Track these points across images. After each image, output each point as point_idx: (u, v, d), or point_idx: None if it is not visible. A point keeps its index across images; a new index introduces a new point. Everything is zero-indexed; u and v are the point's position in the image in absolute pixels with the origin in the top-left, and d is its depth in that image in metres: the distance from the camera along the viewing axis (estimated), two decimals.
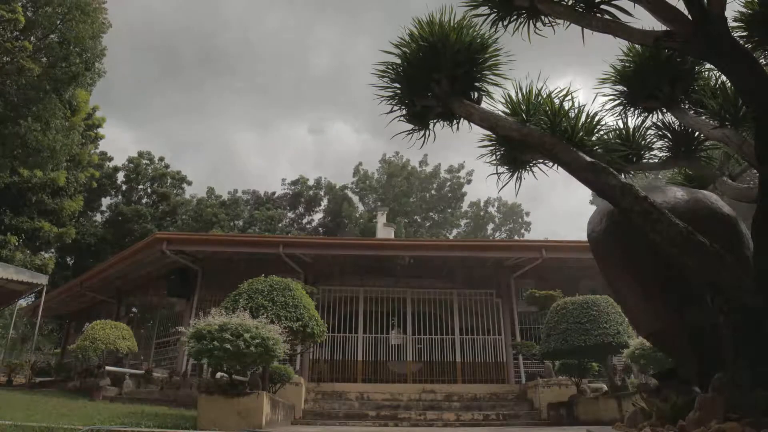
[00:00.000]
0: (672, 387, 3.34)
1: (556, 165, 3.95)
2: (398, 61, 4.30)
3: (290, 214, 39.06)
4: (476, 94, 4.35)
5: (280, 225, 36.52)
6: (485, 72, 4.30)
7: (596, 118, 3.99)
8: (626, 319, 8.78)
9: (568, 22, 3.71)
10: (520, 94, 4.05)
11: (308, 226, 38.40)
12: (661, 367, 6.47)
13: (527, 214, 37.35)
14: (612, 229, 3.60)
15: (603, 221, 3.67)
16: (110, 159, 33.87)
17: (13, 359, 19.07)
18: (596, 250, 3.81)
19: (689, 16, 2.96)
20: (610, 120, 4.99)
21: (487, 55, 4.23)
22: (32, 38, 14.97)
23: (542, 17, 3.90)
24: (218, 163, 68.22)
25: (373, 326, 13.47)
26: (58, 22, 14.65)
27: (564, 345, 9.09)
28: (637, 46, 4.41)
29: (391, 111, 4.56)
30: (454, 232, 37.74)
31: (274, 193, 39.40)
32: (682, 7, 3.01)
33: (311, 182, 38.99)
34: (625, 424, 3.63)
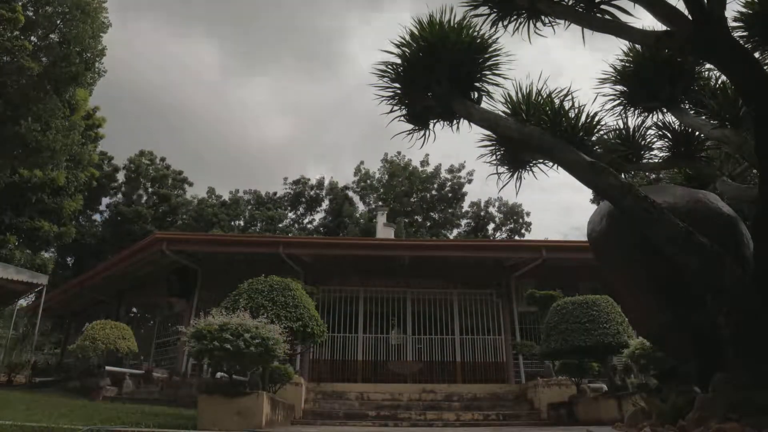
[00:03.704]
0: (672, 387, 3.34)
1: (556, 165, 3.95)
2: (398, 61, 4.30)
3: (291, 215, 39.06)
4: (476, 94, 4.36)
5: (280, 225, 36.50)
6: (485, 72, 4.31)
7: (596, 118, 3.99)
8: (626, 319, 8.78)
9: (569, 22, 3.71)
10: (520, 94, 4.05)
11: (309, 226, 38.39)
12: (661, 367, 6.46)
13: (527, 214, 37.36)
14: (612, 229, 3.59)
15: (603, 221, 3.67)
16: (111, 158, 33.87)
17: (13, 359, 19.05)
18: (596, 250, 3.80)
19: (689, 16, 2.96)
20: (610, 120, 5.00)
21: (487, 55, 4.23)
22: (32, 38, 14.98)
23: (542, 17, 3.90)
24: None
25: (373, 326, 13.47)
26: (59, 21, 14.65)
27: (564, 345, 9.09)
28: (637, 46, 4.42)
29: (391, 111, 4.56)
30: (455, 232, 37.74)
31: (275, 193, 39.39)
32: (682, 7, 3.01)
33: (312, 182, 39.00)
34: (625, 424, 3.63)
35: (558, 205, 59.77)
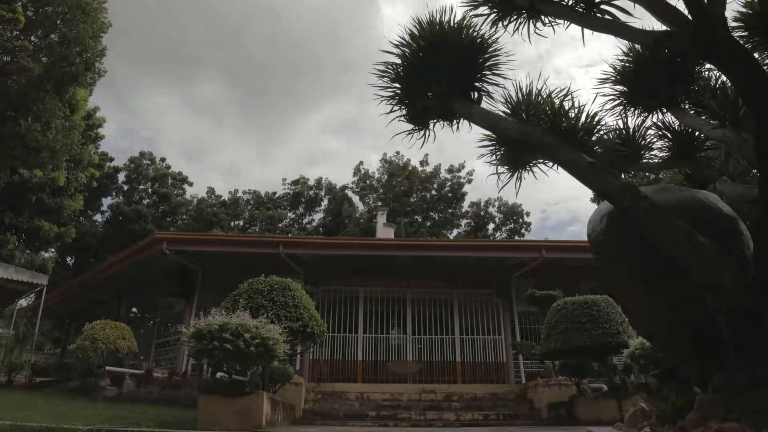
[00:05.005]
0: (672, 387, 3.34)
1: (556, 165, 3.95)
2: (398, 61, 4.30)
3: (290, 215, 39.06)
4: (476, 94, 4.36)
5: (280, 225, 36.51)
6: (485, 72, 4.30)
7: (596, 118, 3.98)
8: (626, 319, 8.78)
9: (569, 22, 3.71)
10: (520, 94, 4.04)
11: (308, 226, 38.39)
12: (661, 367, 6.46)
13: (527, 214, 37.38)
14: (612, 229, 3.59)
15: (603, 221, 3.67)
16: (111, 159, 33.92)
17: (13, 359, 19.06)
18: (596, 250, 3.80)
19: (689, 16, 2.96)
20: (610, 120, 5.00)
21: (487, 55, 4.23)
22: (32, 38, 14.96)
23: (542, 17, 3.89)
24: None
25: (373, 326, 13.46)
26: (59, 21, 14.63)
27: (564, 345, 9.09)
28: (637, 46, 4.42)
29: (391, 111, 4.56)
30: (455, 232, 37.73)
31: (274, 194, 39.40)
32: (682, 7, 3.01)
33: (312, 182, 39.02)
34: (625, 424, 3.63)
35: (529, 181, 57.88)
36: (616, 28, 3.48)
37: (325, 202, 38.63)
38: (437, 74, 4.18)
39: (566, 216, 58.58)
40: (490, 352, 13.22)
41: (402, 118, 4.61)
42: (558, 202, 57.50)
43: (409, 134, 4.68)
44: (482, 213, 37.58)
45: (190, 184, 37.50)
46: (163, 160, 36.94)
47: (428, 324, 13.49)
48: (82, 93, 16.78)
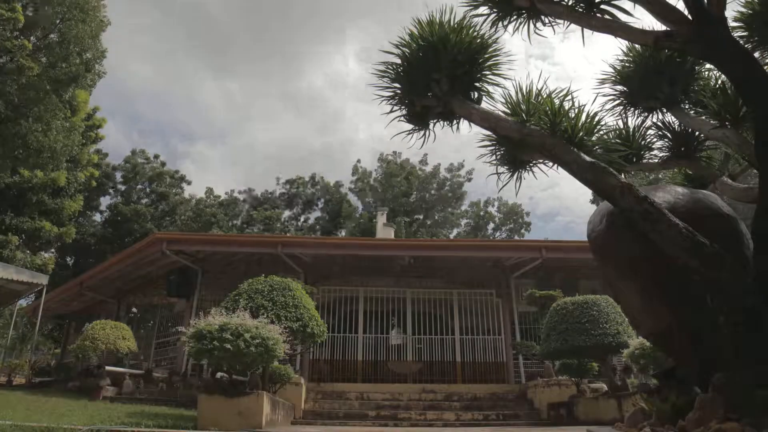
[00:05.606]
0: (672, 387, 3.33)
1: (556, 165, 3.94)
2: (398, 61, 4.30)
3: (288, 213, 39.11)
4: (476, 94, 4.35)
5: (278, 225, 36.55)
6: (485, 72, 4.30)
7: (596, 118, 3.98)
8: (626, 319, 8.78)
9: (569, 22, 3.71)
10: (520, 94, 4.04)
11: (305, 225, 38.43)
12: (661, 367, 6.46)
13: (527, 214, 37.43)
14: (612, 229, 3.59)
15: (603, 221, 3.67)
16: (105, 155, 33.82)
17: (13, 359, 19.05)
18: (596, 250, 3.80)
19: (689, 17, 2.96)
20: (610, 120, 4.99)
21: (487, 55, 4.23)
22: (32, 38, 14.97)
23: (542, 17, 3.89)
24: None
25: (373, 326, 13.47)
26: (58, 21, 14.64)
27: (564, 345, 9.10)
28: (637, 46, 4.42)
29: (391, 111, 4.56)
30: (454, 231, 37.78)
31: (271, 193, 39.43)
32: (682, 7, 3.01)
33: (306, 179, 39.00)
34: (625, 424, 3.63)
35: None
36: (616, 28, 3.48)
37: (322, 201, 38.68)
38: (437, 74, 4.18)
39: (554, 203, 58.03)
40: (490, 352, 13.22)
41: (402, 118, 4.61)
42: (546, 189, 56.90)
43: (409, 134, 4.68)
44: (482, 213, 37.61)
45: (189, 183, 37.56)
46: (156, 157, 36.92)
47: (428, 324, 13.50)
48: (82, 95, 16.81)
